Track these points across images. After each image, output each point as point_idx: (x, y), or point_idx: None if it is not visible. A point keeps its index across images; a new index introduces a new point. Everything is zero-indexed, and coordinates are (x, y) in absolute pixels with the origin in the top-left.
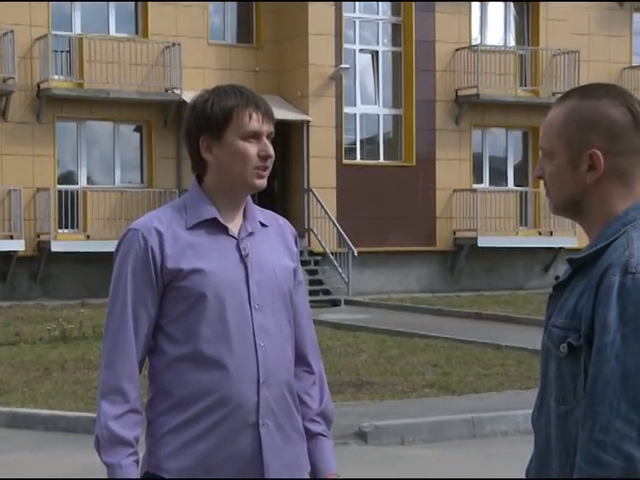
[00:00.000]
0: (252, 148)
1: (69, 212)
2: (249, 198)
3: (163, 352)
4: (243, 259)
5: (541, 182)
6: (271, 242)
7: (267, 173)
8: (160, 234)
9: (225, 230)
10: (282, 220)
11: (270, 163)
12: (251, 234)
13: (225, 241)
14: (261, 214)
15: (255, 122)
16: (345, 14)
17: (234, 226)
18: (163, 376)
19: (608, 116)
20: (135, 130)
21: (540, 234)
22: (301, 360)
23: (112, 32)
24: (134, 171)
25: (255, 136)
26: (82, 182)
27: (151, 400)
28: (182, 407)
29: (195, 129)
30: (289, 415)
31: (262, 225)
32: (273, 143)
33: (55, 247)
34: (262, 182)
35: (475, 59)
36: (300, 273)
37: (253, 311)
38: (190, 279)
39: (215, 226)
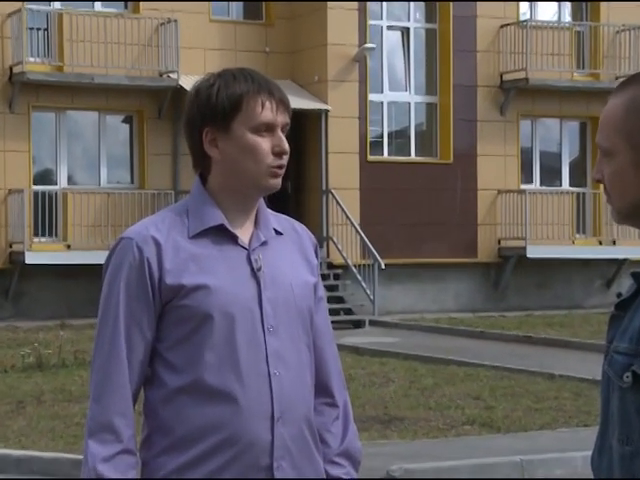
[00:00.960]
0: (265, 142)
1: (46, 218)
2: (261, 201)
3: (161, 382)
4: (255, 273)
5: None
6: (287, 253)
7: (282, 172)
8: (158, 244)
9: (234, 239)
10: (300, 226)
11: (286, 160)
12: (264, 244)
13: (234, 252)
14: (275, 219)
15: (268, 112)
16: None
17: (244, 234)
18: (161, 410)
19: None
20: (124, 121)
21: (600, 243)
22: (323, 390)
23: (97, 7)
24: (123, 169)
25: (268, 128)
26: (62, 182)
27: (147, 438)
28: (184, 446)
29: (198, 119)
30: (309, 456)
31: (277, 233)
32: (286, 137)
33: (30, 259)
34: (276, 182)
35: (524, 37)
36: (321, 289)
37: (267, 334)
38: (193, 297)
39: (222, 234)
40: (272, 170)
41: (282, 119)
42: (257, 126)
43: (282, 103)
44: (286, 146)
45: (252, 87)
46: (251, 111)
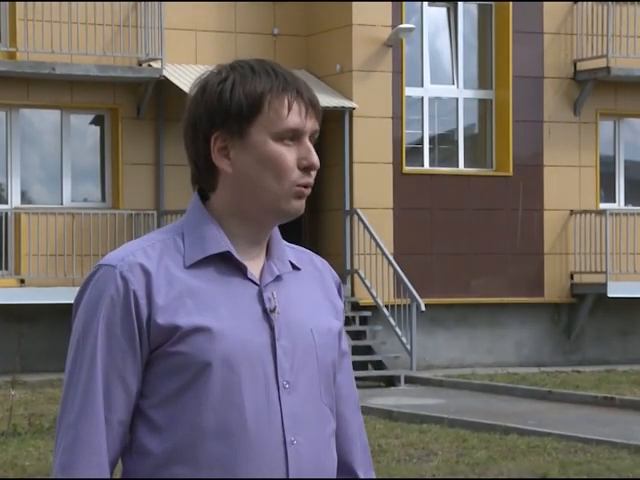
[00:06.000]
0: (290, 153)
1: None
2: (275, 227)
3: (144, 451)
4: (268, 315)
5: None
6: (307, 292)
7: (309, 192)
8: (147, 274)
9: (242, 271)
10: (320, 261)
11: (313, 177)
12: (278, 279)
13: (242, 287)
14: (291, 251)
15: (296, 115)
16: None
17: (254, 267)
18: None
19: None
20: (93, 122)
21: None
22: (343, 469)
23: None
24: (92, 184)
25: (295, 136)
26: (14, 200)
27: None
28: None
29: (206, 123)
30: None
31: (293, 267)
32: None
33: None
34: (300, 205)
35: (604, 15)
36: (345, 340)
37: (282, 392)
38: (189, 342)
39: (227, 265)
40: (298, 190)
41: (311, 125)
42: (281, 132)
43: (312, 105)
44: (316, 159)
45: (276, 83)
46: (274, 113)
